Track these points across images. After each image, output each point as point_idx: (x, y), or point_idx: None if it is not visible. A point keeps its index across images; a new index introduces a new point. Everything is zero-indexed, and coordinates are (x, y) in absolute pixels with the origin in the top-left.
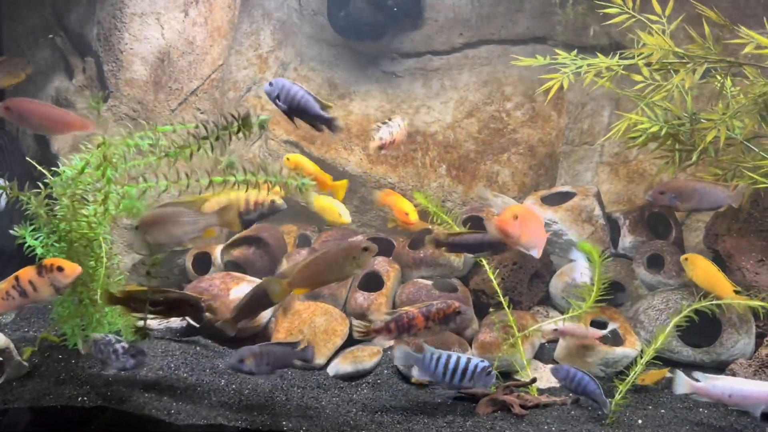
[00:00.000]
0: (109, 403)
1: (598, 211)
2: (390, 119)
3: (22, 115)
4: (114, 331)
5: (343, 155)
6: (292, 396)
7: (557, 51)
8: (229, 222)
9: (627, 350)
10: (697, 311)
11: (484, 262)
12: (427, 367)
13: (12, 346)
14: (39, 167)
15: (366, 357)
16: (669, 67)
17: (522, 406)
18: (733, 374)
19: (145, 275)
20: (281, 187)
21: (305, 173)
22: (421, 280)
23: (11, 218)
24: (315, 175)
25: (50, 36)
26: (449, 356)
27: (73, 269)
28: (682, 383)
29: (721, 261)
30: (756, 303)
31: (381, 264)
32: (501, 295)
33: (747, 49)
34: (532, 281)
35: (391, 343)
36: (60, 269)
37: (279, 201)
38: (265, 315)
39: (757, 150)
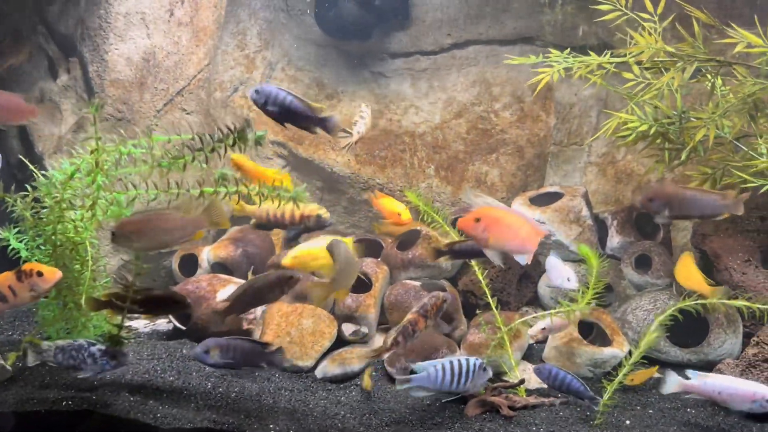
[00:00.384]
0: (94, 407)
1: (585, 212)
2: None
3: None
4: (99, 334)
5: (331, 156)
6: (280, 399)
7: (551, 50)
8: (218, 222)
9: (615, 351)
10: (684, 311)
11: (473, 262)
12: (434, 381)
13: None
14: (31, 168)
15: (354, 359)
16: (659, 65)
17: (510, 408)
18: (721, 374)
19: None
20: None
21: (246, 173)
22: (409, 282)
23: None
24: (256, 173)
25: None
26: (450, 362)
27: (53, 274)
28: (673, 381)
29: (708, 261)
30: (740, 303)
31: (369, 265)
32: (489, 296)
33: (738, 49)
34: (520, 282)
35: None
36: (40, 274)
37: (325, 215)
38: (255, 316)
39: (746, 149)
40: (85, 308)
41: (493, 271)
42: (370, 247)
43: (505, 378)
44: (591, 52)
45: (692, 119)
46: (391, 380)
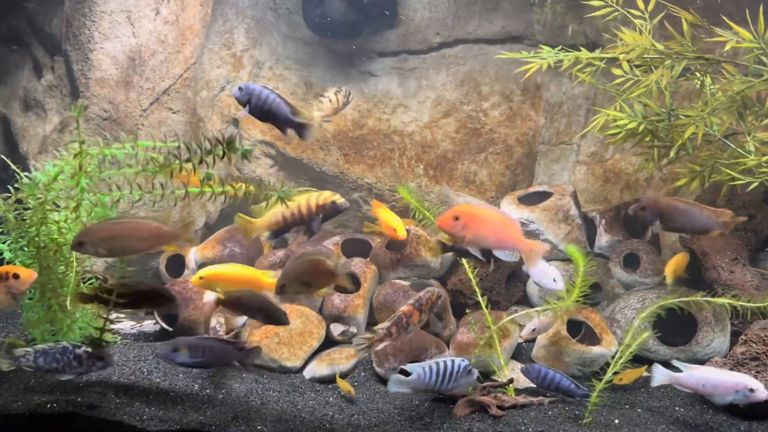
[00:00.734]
0: (79, 409)
1: (574, 211)
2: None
3: None
4: (84, 336)
5: (320, 155)
6: (268, 400)
7: (541, 47)
8: (188, 239)
9: (604, 350)
10: (672, 310)
11: (464, 261)
12: (423, 382)
13: None
14: (14, 168)
15: (343, 359)
16: (649, 63)
17: (499, 407)
18: None
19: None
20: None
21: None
22: (398, 281)
23: None
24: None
25: (14, 47)
26: (437, 364)
27: (29, 275)
28: (661, 375)
29: (696, 260)
30: (724, 301)
31: (358, 265)
32: (479, 295)
33: (727, 47)
34: (509, 281)
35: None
36: (16, 276)
37: (340, 200)
38: (240, 318)
39: (734, 146)
40: (71, 302)
41: (482, 270)
42: (359, 247)
43: (495, 377)
44: (582, 48)
45: (681, 117)
46: (380, 380)
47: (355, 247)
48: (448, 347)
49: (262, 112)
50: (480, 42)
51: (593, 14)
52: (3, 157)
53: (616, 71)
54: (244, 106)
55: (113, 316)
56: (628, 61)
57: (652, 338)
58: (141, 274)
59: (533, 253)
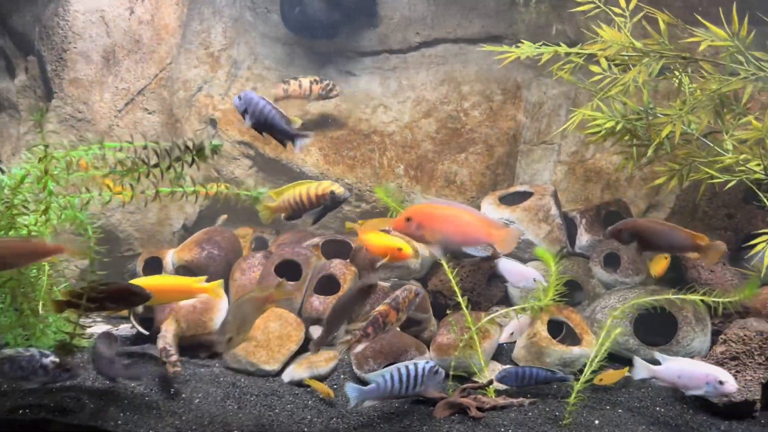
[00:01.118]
0: (52, 415)
1: (554, 211)
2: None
3: None
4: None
5: (299, 156)
6: (245, 404)
7: (522, 41)
8: (77, 253)
9: (584, 350)
10: (655, 309)
11: (443, 262)
12: (384, 391)
13: None
14: None
15: (322, 362)
16: (627, 61)
17: (479, 409)
18: None
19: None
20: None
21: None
22: (378, 282)
23: None
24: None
25: None
26: (398, 369)
27: None
28: (642, 368)
29: (677, 259)
30: (694, 297)
31: (337, 267)
32: (459, 296)
33: (703, 46)
34: (490, 282)
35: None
36: None
37: (339, 190)
38: (219, 321)
39: (712, 145)
40: (48, 311)
41: (462, 271)
42: (339, 248)
43: (475, 378)
44: (562, 44)
45: (659, 115)
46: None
47: (335, 248)
48: (429, 348)
49: (259, 122)
50: (460, 42)
51: (575, 9)
52: None
53: (595, 69)
54: (243, 116)
55: (87, 320)
56: (607, 58)
57: (632, 338)
58: (118, 276)
59: (506, 241)
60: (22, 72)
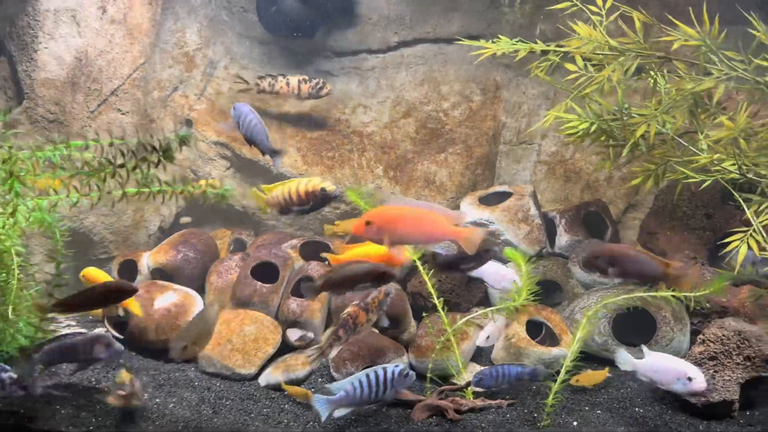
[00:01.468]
0: (23, 421)
1: (534, 211)
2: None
3: None
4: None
5: None
6: (220, 408)
7: (500, 36)
8: None
9: (563, 350)
10: (635, 309)
11: (418, 263)
12: (354, 399)
13: None
14: None
15: (299, 366)
16: (602, 60)
17: (457, 411)
18: None
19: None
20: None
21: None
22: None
23: None
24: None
25: None
26: (366, 375)
27: None
28: (625, 361)
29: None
30: (665, 293)
31: (316, 269)
32: (436, 297)
33: (675, 46)
34: (470, 283)
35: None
36: None
37: (330, 188)
38: None
39: (687, 144)
40: (13, 318)
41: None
42: (319, 249)
43: (453, 380)
44: (538, 41)
45: (634, 116)
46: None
47: (314, 250)
48: (407, 350)
49: (245, 134)
50: (439, 41)
51: (552, 7)
52: None
53: (571, 67)
54: (236, 125)
55: (61, 324)
56: (583, 57)
57: (611, 338)
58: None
59: (470, 239)
60: None
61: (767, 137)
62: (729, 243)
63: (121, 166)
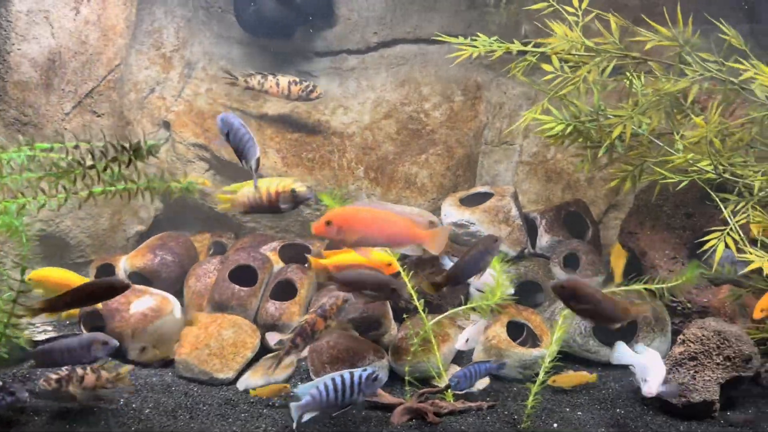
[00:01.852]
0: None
1: (514, 212)
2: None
3: None
4: None
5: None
6: (197, 414)
7: (478, 34)
8: None
9: (544, 351)
10: None
11: (396, 264)
12: (320, 403)
13: None
14: None
15: (279, 369)
16: (578, 60)
17: (436, 414)
18: None
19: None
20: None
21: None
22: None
23: None
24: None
25: None
26: (332, 379)
27: None
28: (624, 353)
29: (636, 258)
30: (638, 287)
31: (294, 271)
32: (416, 299)
33: (648, 46)
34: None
35: (305, 353)
36: None
37: (301, 189)
38: None
39: (662, 145)
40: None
41: (423, 273)
42: (299, 252)
43: (434, 383)
44: (515, 41)
45: (610, 116)
46: None
47: (294, 252)
48: (388, 353)
49: (237, 148)
50: (420, 42)
51: (529, 7)
52: None
53: (547, 67)
54: (225, 136)
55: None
56: (559, 57)
57: (592, 339)
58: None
59: (434, 241)
60: None
61: (743, 137)
62: (707, 242)
63: (92, 167)
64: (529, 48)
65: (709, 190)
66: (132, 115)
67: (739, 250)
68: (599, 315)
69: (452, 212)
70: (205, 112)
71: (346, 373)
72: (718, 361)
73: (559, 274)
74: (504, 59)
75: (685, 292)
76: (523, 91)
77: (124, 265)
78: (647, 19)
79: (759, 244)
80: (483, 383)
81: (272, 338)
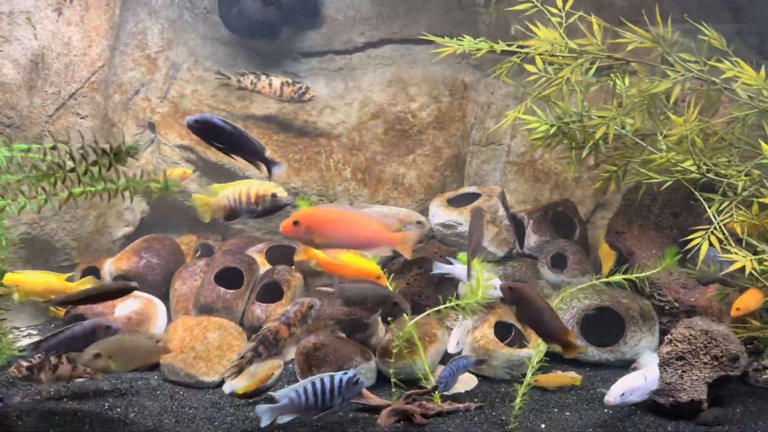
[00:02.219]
0: None
1: (502, 212)
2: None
3: None
4: None
5: (242, 160)
6: (183, 417)
7: (463, 35)
8: None
9: (531, 352)
10: (604, 310)
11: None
12: (298, 406)
13: None
14: None
15: (265, 371)
16: (561, 61)
17: (423, 415)
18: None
19: None
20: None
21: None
22: (324, 289)
23: None
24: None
25: None
26: (312, 383)
27: None
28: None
29: (623, 258)
30: (618, 278)
31: (281, 273)
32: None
33: (629, 47)
34: (439, 285)
35: (292, 356)
36: None
37: (281, 194)
38: (156, 331)
39: (645, 145)
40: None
41: (410, 274)
42: (286, 253)
43: (422, 384)
44: (499, 41)
45: (594, 117)
46: None
47: (281, 254)
48: (375, 355)
49: (230, 145)
50: (406, 42)
51: (513, 8)
52: None
53: (531, 68)
54: (204, 139)
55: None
56: (541, 57)
57: (580, 339)
58: None
59: (404, 244)
60: None
61: (725, 137)
62: (692, 241)
63: (72, 170)
64: (513, 48)
65: (693, 190)
66: (117, 116)
67: (724, 250)
68: (539, 327)
69: (440, 213)
70: (190, 113)
71: (326, 376)
72: (706, 360)
73: (547, 274)
74: (492, 59)
75: (673, 292)
76: (511, 91)
77: (109, 269)
78: (625, 21)
79: (744, 243)
80: (470, 384)
81: None
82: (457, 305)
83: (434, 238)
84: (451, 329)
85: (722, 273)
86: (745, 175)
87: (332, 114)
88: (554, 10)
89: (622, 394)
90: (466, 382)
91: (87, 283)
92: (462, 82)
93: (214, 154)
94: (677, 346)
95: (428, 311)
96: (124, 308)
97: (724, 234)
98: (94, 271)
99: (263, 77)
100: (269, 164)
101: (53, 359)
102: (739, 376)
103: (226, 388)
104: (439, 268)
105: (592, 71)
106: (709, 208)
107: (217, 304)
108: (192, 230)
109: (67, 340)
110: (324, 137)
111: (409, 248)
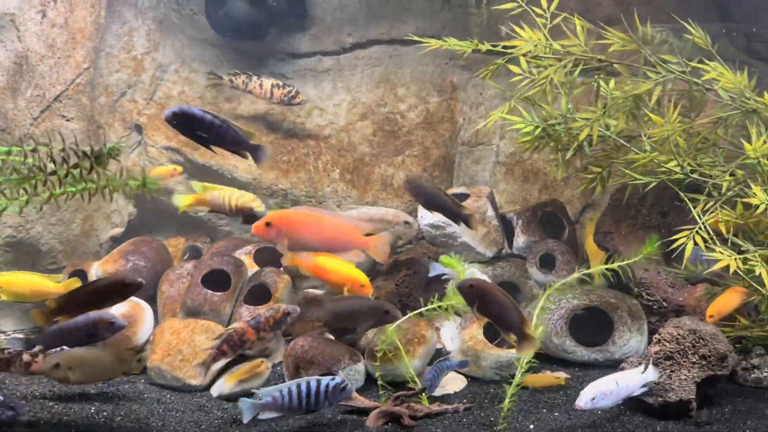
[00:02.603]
0: None
1: (490, 212)
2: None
3: None
4: None
5: (231, 161)
6: (170, 420)
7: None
8: None
9: None
10: (592, 310)
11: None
12: (282, 406)
13: None
14: None
15: (254, 374)
16: (546, 64)
17: (412, 417)
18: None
19: None
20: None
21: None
22: (312, 291)
23: None
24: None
25: None
26: (297, 385)
27: None
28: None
29: (611, 258)
30: (600, 268)
31: (269, 275)
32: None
33: (612, 49)
34: (429, 286)
35: (280, 358)
36: None
37: (259, 208)
38: (143, 335)
39: (628, 146)
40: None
41: (399, 275)
42: (274, 255)
43: (410, 386)
44: (485, 42)
45: (577, 119)
46: None
47: (269, 255)
48: (364, 356)
49: (210, 136)
50: (394, 43)
51: (498, 7)
52: None
53: (515, 69)
54: (182, 131)
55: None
56: (525, 59)
57: (569, 339)
58: None
59: (377, 247)
60: None
61: (711, 138)
62: (676, 241)
63: (53, 173)
64: (497, 49)
65: (678, 190)
66: (103, 118)
67: (709, 249)
68: (501, 318)
69: (428, 214)
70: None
71: (312, 380)
72: (694, 360)
73: (536, 274)
74: (481, 60)
75: (661, 291)
76: (499, 92)
77: (96, 272)
78: (603, 25)
79: (729, 243)
80: (460, 385)
81: None
82: (438, 307)
83: (423, 239)
84: (439, 329)
85: (707, 272)
86: (730, 175)
87: (321, 115)
88: (539, 11)
89: (593, 399)
90: (455, 383)
91: (74, 284)
92: (450, 83)
93: (201, 156)
94: (665, 345)
95: (409, 314)
96: (118, 308)
97: (708, 233)
98: (80, 274)
99: (255, 78)
100: (255, 152)
101: (26, 356)
102: (727, 375)
103: (214, 391)
104: (436, 269)
105: (576, 73)
106: (695, 208)
107: (204, 306)
108: (180, 232)
109: (69, 331)
110: (312, 138)
111: (382, 252)
